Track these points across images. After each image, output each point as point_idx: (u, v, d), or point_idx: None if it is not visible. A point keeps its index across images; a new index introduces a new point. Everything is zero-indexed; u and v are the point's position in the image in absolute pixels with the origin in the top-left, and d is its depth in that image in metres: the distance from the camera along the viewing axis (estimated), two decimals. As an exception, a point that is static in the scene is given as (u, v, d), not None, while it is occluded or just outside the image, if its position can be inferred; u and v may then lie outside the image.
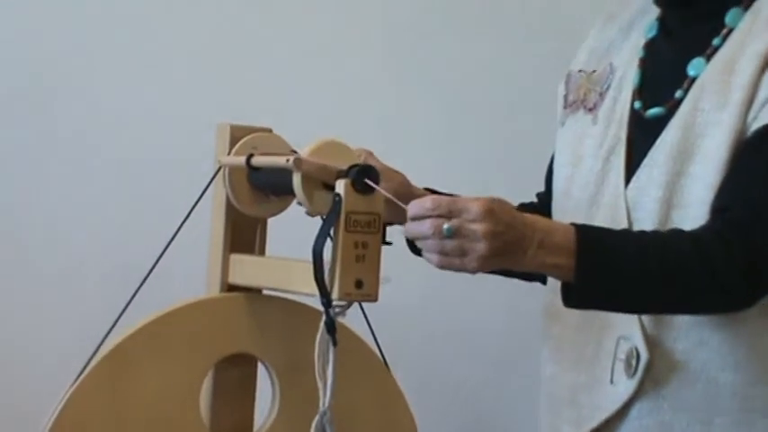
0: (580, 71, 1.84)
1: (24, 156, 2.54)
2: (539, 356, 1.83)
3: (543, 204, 1.88)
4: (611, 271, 1.53)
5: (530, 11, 2.78)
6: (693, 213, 1.62)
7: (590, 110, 1.79)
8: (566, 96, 1.85)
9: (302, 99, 2.66)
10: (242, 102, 2.57)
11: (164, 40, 2.60)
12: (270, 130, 1.69)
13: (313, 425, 1.50)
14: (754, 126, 1.60)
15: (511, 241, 1.47)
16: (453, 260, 1.46)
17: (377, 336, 1.73)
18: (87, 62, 2.56)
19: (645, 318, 1.65)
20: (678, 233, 1.58)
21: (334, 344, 1.49)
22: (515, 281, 1.87)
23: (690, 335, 1.64)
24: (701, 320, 1.63)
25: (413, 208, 1.47)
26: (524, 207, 1.87)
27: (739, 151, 1.60)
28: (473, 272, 1.48)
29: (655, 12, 1.79)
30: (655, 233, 1.61)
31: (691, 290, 1.55)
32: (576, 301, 1.55)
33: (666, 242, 1.56)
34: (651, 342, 1.65)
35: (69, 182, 2.56)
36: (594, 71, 1.82)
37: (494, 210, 1.46)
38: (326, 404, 1.50)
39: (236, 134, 1.67)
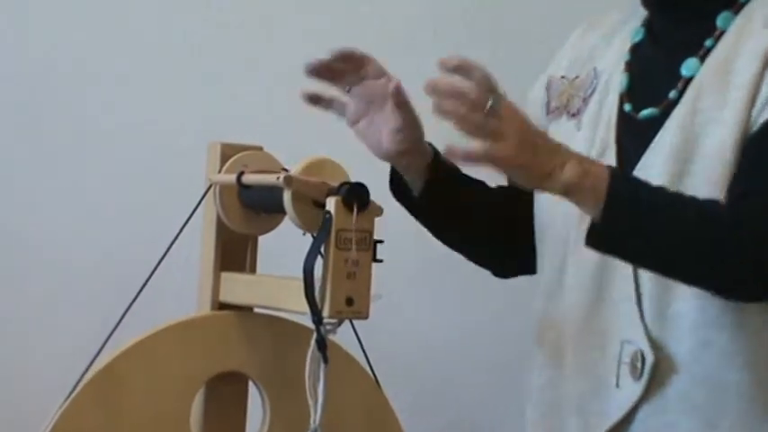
0: (562, 77, 1.84)
1: (12, 174, 2.54)
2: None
3: (519, 194, 1.86)
4: (642, 204, 1.53)
5: (529, 18, 2.78)
6: None
7: (573, 115, 1.78)
8: (548, 103, 1.84)
9: (293, 117, 2.66)
10: (232, 120, 2.57)
11: (156, 57, 2.60)
12: (260, 148, 1.69)
13: (304, 442, 1.51)
14: (761, 119, 1.61)
15: (545, 146, 1.49)
16: (487, 141, 1.44)
17: (368, 353, 1.73)
18: (80, 78, 2.56)
19: (647, 319, 1.64)
20: (713, 201, 1.58)
21: (325, 361, 1.49)
22: (509, 289, 1.86)
23: (694, 336, 1.64)
24: (705, 321, 1.62)
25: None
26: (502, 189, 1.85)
27: (748, 143, 1.60)
28: (503, 162, 1.47)
29: (639, 19, 1.79)
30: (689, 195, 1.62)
31: (711, 248, 1.55)
32: (599, 236, 1.54)
33: (700, 201, 1.57)
34: (655, 344, 1.64)
35: (59, 200, 2.55)
36: (577, 77, 1.81)
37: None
38: (317, 422, 1.50)
39: (227, 152, 1.67)
